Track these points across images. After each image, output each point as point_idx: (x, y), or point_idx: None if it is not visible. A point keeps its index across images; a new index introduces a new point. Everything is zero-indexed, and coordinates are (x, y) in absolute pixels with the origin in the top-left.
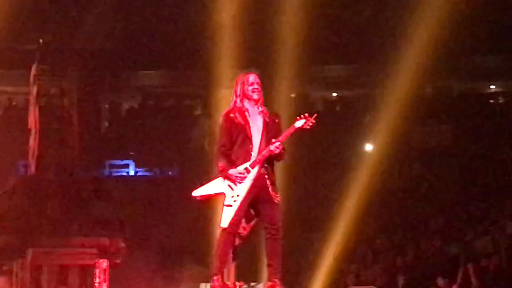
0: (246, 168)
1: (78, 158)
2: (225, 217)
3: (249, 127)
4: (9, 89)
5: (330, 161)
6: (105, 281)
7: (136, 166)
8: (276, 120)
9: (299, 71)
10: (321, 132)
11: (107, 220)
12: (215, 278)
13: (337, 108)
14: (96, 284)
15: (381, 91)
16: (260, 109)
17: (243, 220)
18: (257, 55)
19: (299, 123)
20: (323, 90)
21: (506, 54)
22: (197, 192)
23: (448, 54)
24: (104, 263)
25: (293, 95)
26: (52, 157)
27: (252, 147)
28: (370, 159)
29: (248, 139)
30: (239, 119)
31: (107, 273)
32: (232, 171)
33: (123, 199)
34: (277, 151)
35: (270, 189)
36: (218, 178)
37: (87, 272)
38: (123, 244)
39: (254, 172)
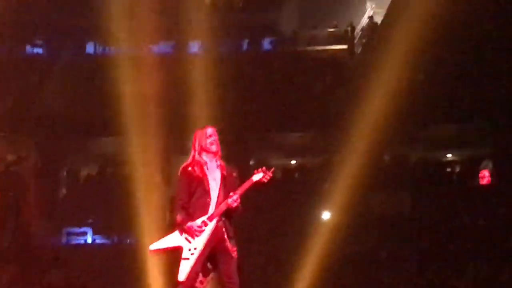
0: (203, 221)
1: (35, 225)
2: (183, 270)
3: (207, 180)
4: None
5: (289, 228)
6: None
7: (94, 233)
8: (234, 174)
9: (258, 138)
10: (280, 199)
11: None
12: None
13: (296, 175)
14: None
15: (339, 159)
16: (218, 162)
17: (200, 274)
18: (216, 122)
19: (256, 177)
20: (281, 157)
21: (461, 124)
22: (154, 246)
23: (404, 123)
24: None
25: (252, 163)
26: (8, 225)
27: (210, 200)
28: (329, 226)
29: (206, 192)
30: (197, 172)
31: None
32: (189, 224)
33: (80, 267)
34: (235, 204)
35: (227, 243)
36: (176, 232)
37: None
38: None
39: (211, 225)
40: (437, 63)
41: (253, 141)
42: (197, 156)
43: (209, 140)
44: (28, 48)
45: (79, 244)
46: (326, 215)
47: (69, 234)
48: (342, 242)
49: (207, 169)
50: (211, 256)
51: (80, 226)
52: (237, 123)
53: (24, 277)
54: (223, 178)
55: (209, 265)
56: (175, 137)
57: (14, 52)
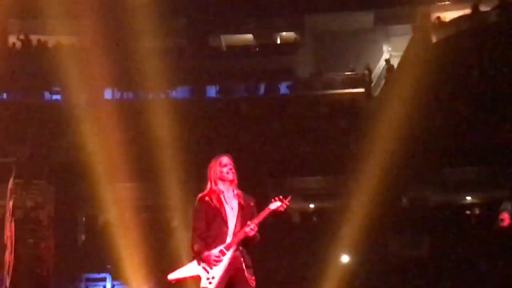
0: (221, 251)
1: (53, 272)
2: None
3: (224, 209)
4: None
5: (308, 272)
6: None
7: (113, 279)
8: (251, 203)
9: (275, 183)
10: (298, 243)
11: None
12: None
13: (314, 219)
14: None
15: (357, 202)
16: (235, 191)
17: None
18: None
19: (274, 205)
20: (300, 201)
21: (481, 166)
22: (172, 275)
23: (423, 166)
24: None
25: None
26: (26, 271)
27: (227, 229)
28: (347, 270)
29: (223, 221)
30: (214, 202)
31: None
32: (207, 254)
33: None
34: (252, 233)
35: (245, 272)
36: (193, 261)
37: None
38: None
39: (229, 254)
40: (453, 107)
41: (271, 185)
42: (213, 185)
43: (224, 169)
44: (47, 94)
45: None
46: (345, 259)
47: (88, 280)
48: (361, 285)
49: (224, 198)
50: (229, 286)
51: (99, 272)
52: (255, 168)
53: None
54: (240, 207)
55: None
56: (193, 182)
57: (33, 98)
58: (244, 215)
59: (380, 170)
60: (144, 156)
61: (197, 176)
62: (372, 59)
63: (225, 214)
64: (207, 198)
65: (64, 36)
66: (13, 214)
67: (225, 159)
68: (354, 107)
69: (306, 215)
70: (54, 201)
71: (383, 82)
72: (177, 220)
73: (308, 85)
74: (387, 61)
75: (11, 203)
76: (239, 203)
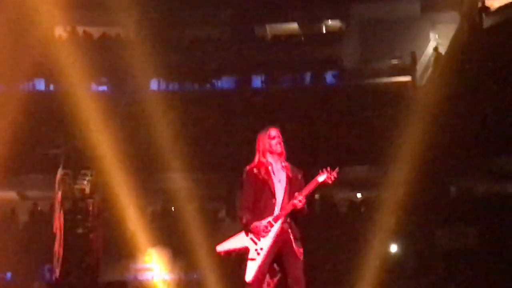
0: (269, 222)
1: (101, 262)
2: (249, 270)
3: (272, 181)
4: (34, 193)
5: (355, 262)
6: None
7: (162, 269)
8: (299, 176)
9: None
10: (346, 233)
11: None
12: None
13: (362, 209)
14: None
15: (405, 192)
16: (283, 164)
17: (267, 276)
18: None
19: (321, 178)
20: (347, 191)
21: None
22: (221, 247)
23: (471, 155)
24: None
25: (317, 196)
26: (76, 261)
27: (275, 201)
28: (395, 260)
29: (271, 193)
30: (262, 174)
31: None
32: (255, 225)
33: None
34: (300, 205)
35: (293, 244)
36: (242, 233)
37: None
38: None
39: (277, 226)
40: (500, 96)
41: (318, 187)
42: (261, 158)
43: (273, 142)
44: (94, 86)
45: (146, 280)
46: (393, 248)
47: (136, 270)
48: (408, 275)
49: (272, 170)
50: (277, 258)
51: (146, 262)
52: (301, 157)
53: None
54: (288, 179)
55: (275, 266)
56: (239, 172)
57: (80, 89)
58: (292, 187)
59: (427, 159)
60: (191, 146)
61: (243, 166)
62: (419, 47)
63: (273, 186)
64: (255, 170)
65: (109, 28)
66: (62, 205)
67: (274, 132)
68: (400, 96)
69: (353, 205)
70: (102, 191)
71: (430, 70)
72: (224, 211)
73: (354, 74)
74: (435, 49)
75: (59, 193)
76: (287, 176)
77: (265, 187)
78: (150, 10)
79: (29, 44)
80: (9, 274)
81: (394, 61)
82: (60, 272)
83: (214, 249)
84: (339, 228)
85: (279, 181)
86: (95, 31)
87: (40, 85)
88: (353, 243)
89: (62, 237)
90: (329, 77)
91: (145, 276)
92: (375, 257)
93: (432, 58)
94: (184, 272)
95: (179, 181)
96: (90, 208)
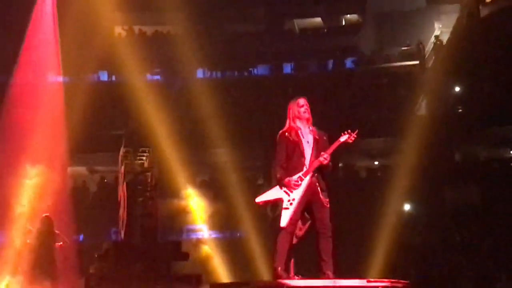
0: (299, 177)
1: (159, 225)
2: (284, 218)
3: (302, 143)
4: (101, 168)
5: (374, 219)
6: None
7: (210, 229)
8: (324, 137)
9: (345, 144)
10: (366, 195)
11: (186, 276)
12: (278, 269)
13: (379, 174)
14: None
15: (417, 159)
16: (310, 128)
17: (299, 222)
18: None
19: (343, 138)
20: (366, 159)
21: None
22: (259, 198)
23: (473, 125)
24: None
25: (340, 165)
26: (137, 225)
27: (304, 159)
28: (409, 217)
29: (301, 153)
30: (293, 136)
31: None
32: (288, 179)
33: (199, 258)
34: (326, 161)
35: (320, 194)
36: (276, 187)
37: None
38: None
39: (306, 180)
40: (497, 76)
41: (341, 147)
42: (292, 123)
43: (302, 109)
44: (149, 76)
45: (197, 239)
46: (406, 207)
47: (188, 230)
48: (421, 229)
49: (301, 133)
50: (307, 207)
51: (198, 224)
52: (327, 132)
53: (153, 268)
54: (315, 140)
55: (306, 214)
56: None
57: (136, 80)
58: (318, 147)
59: (435, 130)
60: (233, 125)
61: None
62: (425, 35)
63: (302, 147)
64: (287, 133)
65: (161, 26)
66: (124, 178)
67: (302, 101)
68: (410, 77)
69: (371, 171)
70: (158, 165)
71: (434, 55)
72: (262, 178)
73: (370, 60)
74: (436, 37)
75: (122, 168)
76: (314, 137)
77: (296, 148)
78: (195, 9)
79: (94, 42)
80: (81, 236)
81: (404, 48)
82: (125, 233)
83: (255, 210)
84: (360, 191)
85: (307, 142)
86: (149, 29)
87: (104, 76)
88: (372, 202)
89: (126, 204)
90: (348, 63)
91: (196, 235)
92: (391, 214)
93: (434, 45)
94: (230, 231)
95: (223, 155)
96: (149, 180)
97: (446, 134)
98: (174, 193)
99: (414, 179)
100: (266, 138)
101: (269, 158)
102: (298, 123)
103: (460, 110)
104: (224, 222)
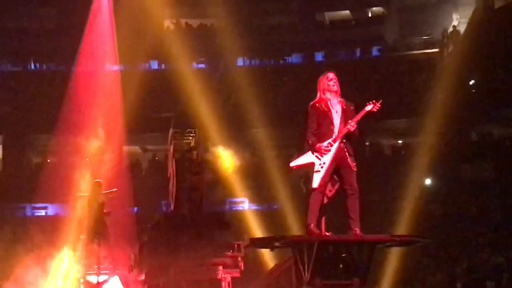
0: (329, 143)
1: (205, 197)
2: (315, 180)
3: (331, 112)
4: (153, 147)
5: (398, 192)
6: None
7: (250, 202)
8: (351, 107)
9: (371, 125)
10: (390, 171)
11: (228, 245)
12: (311, 225)
13: (402, 153)
14: None
15: (436, 137)
16: (339, 99)
17: (329, 184)
18: None
19: (368, 107)
20: (391, 138)
21: None
22: (294, 163)
23: (488, 107)
24: (228, 277)
25: (367, 143)
26: (185, 197)
27: (333, 127)
28: (429, 190)
29: (330, 121)
30: (323, 107)
31: (230, 285)
32: (319, 145)
33: (241, 228)
34: (353, 129)
35: (348, 159)
36: (308, 152)
37: (215, 285)
38: (240, 263)
39: (335, 146)
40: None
41: (367, 127)
42: (322, 95)
43: (331, 82)
44: (194, 64)
45: (238, 210)
46: (427, 181)
47: (231, 202)
48: (441, 201)
49: (331, 104)
50: (336, 170)
51: (239, 197)
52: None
53: (199, 237)
54: (343, 110)
55: (335, 177)
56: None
57: (183, 67)
58: (346, 116)
59: (453, 111)
60: (270, 107)
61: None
62: (444, 25)
63: (332, 116)
64: (317, 104)
65: (205, 19)
66: (173, 156)
67: (331, 75)
68: (430, 64)
69: (395, 149)
70: (204, 144)
71: (452, 44)
72: (296, 155)
73: (394, 48)
74: (454, 27)
75: (171, 147)
76: (342, 108)
77: (325, 117)
78: (235, 4)
79: (146, 34)
80: (136, 208)
81: (425, 37)
82: (174, 205)
83: (290, 185)
84: (385, 167)
85: (336, 112)
86: (194, 22)
87: (154, 65)
88: (396, 177)
89: (175, 179)
90: (374, 51)
91: (238, 207)
92: (414, 188)
93: (452, 34)
94: (267, 204)
95: (261, 134)
96: (195, 157)
97: (463, 116)
98: (217, 169)
99: (434, 156)
100: (299, 119)
101: (302, 138)
102: (328, 95)
103: (476, 93)
104: (262, 196)
